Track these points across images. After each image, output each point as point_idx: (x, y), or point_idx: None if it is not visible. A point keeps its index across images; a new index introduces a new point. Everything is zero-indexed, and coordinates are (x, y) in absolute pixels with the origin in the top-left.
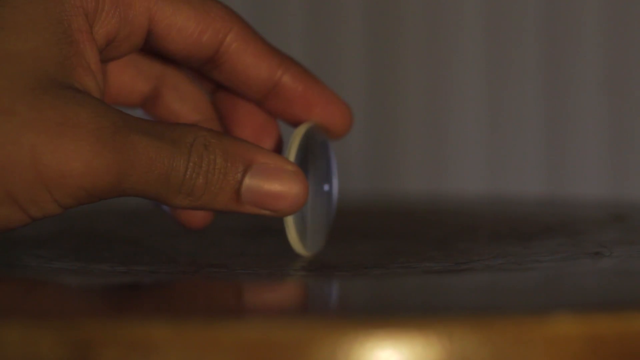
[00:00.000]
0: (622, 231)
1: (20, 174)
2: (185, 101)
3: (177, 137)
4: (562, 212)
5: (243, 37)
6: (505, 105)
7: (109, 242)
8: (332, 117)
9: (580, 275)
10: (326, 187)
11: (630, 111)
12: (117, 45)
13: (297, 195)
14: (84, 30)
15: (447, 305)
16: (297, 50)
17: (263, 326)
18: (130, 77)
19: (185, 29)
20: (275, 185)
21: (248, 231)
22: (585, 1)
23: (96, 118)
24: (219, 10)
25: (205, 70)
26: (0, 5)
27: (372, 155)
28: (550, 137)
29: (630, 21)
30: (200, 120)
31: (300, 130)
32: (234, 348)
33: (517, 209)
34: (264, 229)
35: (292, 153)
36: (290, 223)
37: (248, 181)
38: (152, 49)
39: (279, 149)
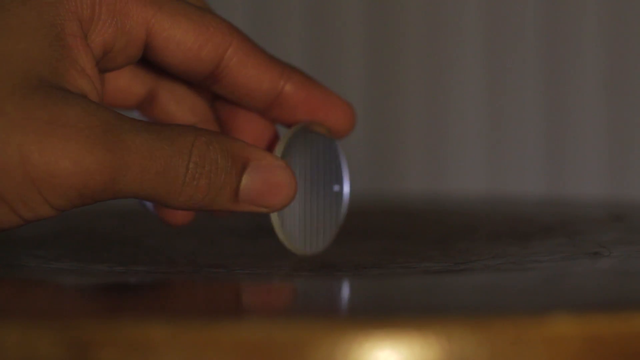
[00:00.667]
0: (621, 231)
1: (8, 173)
2: (181, 103)
3: (176, 136)
4: (561, 212)
5: (243, 51)
6: (505, 105)
7: (108, 242)
8: (335, 119)
9: (580, 275)
10: (336, 188)
11: (629, 111)
12: (114, 56)
13: (287, 190)
14: (78, 35)
15: (446, 306)
16: (297, 51)
17: (262, 326)
18: (127, 80)
19: (184, 42)
20: (269, 182)
21: (247, 231)
22: (585, 1)
23: (86, 117)
24: (218, 24)
25: (206, 85)
26: None
27: (372, 155)
28: (550, 137)
29: (630, 21)
30: (197, 122)
31: (292, 129)
32: (233, 348)
33: (516, 209)
34: (263, 229)
35: (279, 149)
36: (275, 218)
37: (245, 180)
38: (151, 62)
39: None
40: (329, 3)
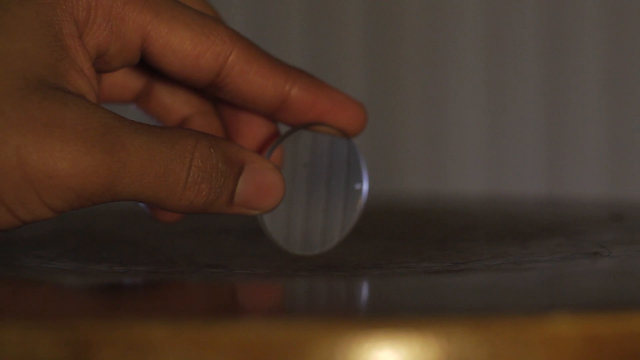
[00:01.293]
0: (621, 231)
1: (6, 175)
2: (176, 95)
3: (177, 139)
4: (561, 212)
5: (245, 58)
6: (504, 105)
7: (108, 242)
8: (345, 120)
9: (579, 275)
10: (357, 186)
11: (629, 111)
12: (109, 59)
13: (277, 192)
14: (75, 36)
15: (445, 306)
16: (297, 51)
17: (261, 326)
18: (123, 75)
19: (181, 50)
20: (261, 185)
21: (247, 231)
22: (585, 2)
23: (84, 119)
24: (219, 32)
25: (209, 92)
26: None
27: (372, 155)
28: (550, 137)
29: (630, 21)
30: (194, 113)
31: (286, 131)
32: (232, 348)
33: (516, 209)
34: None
35: (267, 150)
36: (262, 219)
37: (240, 183)
38: (151, 67)
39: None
40: (329, 3)
